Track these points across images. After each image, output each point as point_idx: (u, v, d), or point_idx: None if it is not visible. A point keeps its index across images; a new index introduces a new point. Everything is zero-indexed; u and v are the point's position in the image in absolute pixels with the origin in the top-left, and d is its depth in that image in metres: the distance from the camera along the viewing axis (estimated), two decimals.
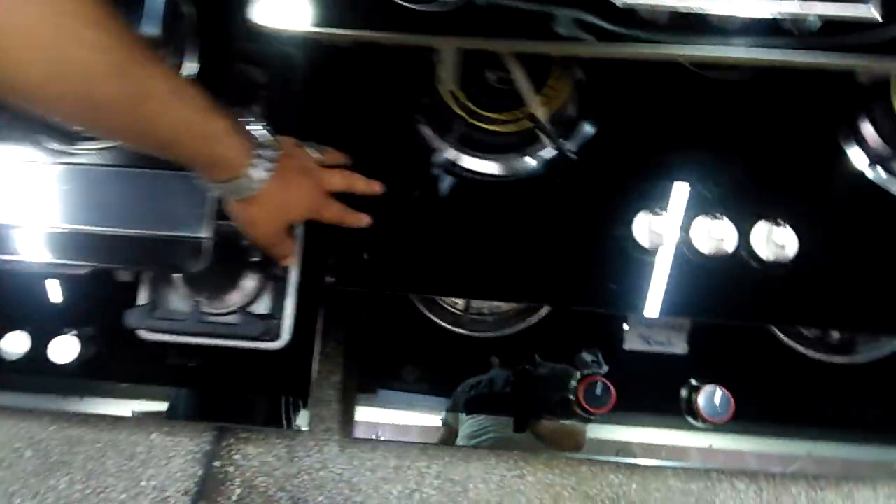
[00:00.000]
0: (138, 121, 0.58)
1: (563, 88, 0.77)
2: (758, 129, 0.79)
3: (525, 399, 0.92)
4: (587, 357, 0.92)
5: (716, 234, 0.75)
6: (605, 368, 0.93)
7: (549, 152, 0.79)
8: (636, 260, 0.77)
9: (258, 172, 0.66)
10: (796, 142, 0.79)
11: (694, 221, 0.76)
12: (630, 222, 0.76)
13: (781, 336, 0.95)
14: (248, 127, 0.67)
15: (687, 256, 0.77)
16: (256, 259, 0.96)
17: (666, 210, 0.76)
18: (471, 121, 0.77)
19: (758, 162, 0.79)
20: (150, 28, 0.75)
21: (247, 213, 0.70)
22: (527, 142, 0.79)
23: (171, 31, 0.79)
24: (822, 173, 0.78)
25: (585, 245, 0.78)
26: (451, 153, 0.79)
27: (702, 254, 0.76)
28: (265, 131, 0.68)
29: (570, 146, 0.77)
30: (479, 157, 0.79)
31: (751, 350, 0.96)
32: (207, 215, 0.80)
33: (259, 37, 0.77)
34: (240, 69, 0.94)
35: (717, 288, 0.77)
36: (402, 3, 0.57)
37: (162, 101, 0.58)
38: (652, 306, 0.77)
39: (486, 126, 0.77)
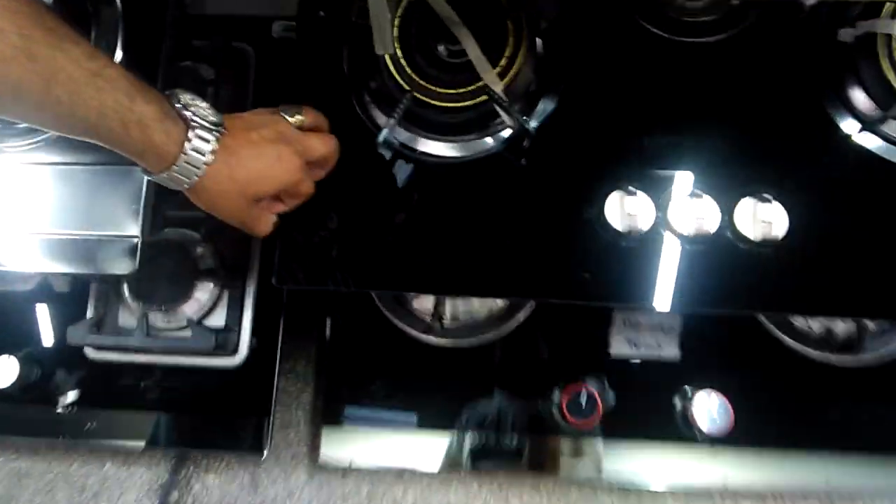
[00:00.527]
0: (52, 104, 0.55)
1: (520, 59, 0.71)
2: (736, 98, 0.73)
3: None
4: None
5: (696, 214, 0.68)
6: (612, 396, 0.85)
7: (508, 130, 0.73)
8: (610, 245, 0.70)
9: (196, 156, 0.61)
10: (778, 110, 0.72)
11: (671, 201, 0.69)
12: (602, 204, 0.70)
13: (782, 336, 0.87)
14: (189, 105, 0.62)
15: (665, 239, 0.70)
16: (210, 267, 0.90)
17: (640, 189, 0.69)
18: (422, 98, 0.71)
19: (738, 134, 0.72)
20: None
21: (203, 197, 0.65)
22: (484, 120, 0.73)
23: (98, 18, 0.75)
24: (809, 143, 0.71)
25: (553, 231, 0.71)
26: (402, 135, 0.73)
27: (681, 235, 0.69)
28: (205, 108, 0.63)
29: (532, 122, 0.70)
30: (433, 139, 0.73)
31: (749, 352, 0.88)
32: (141, 212, 0.74)
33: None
34: (189, 66, 0.90)
35: (700, 273, 0.69)
36: None
37: (76, 83, 0.55)
38: (629, 294, 0.70)
39: (437, 103, 0.71)
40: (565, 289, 0.70)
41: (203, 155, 0.61)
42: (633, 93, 0.73)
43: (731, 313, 0.78)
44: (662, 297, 0.69)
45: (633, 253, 0.70)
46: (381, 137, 0.70)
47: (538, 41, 0.73)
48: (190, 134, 0.60)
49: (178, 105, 0.61)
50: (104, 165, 0.75)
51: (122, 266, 0.73)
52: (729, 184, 0.69)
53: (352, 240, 0.73)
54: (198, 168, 0.61)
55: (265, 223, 0.69)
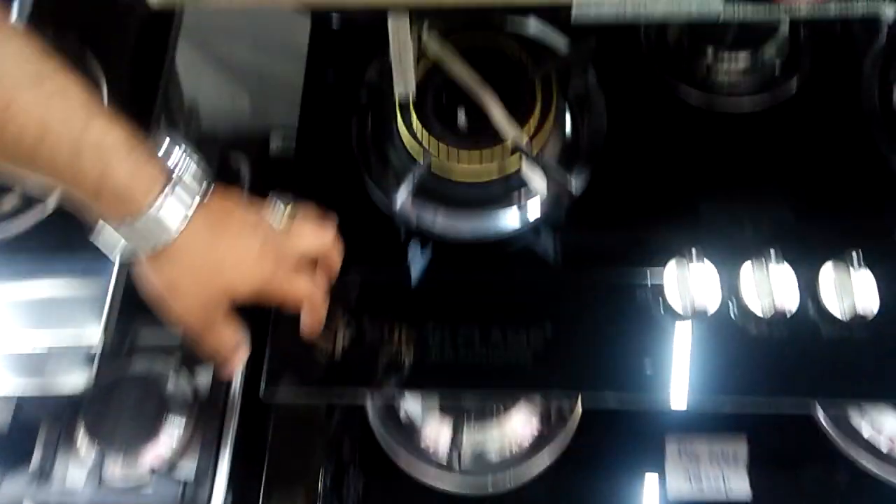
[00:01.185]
0: None
1: (550, 121, 0.63)
2: (793, 160, 0.64)
3: None
4: None
5: (771, 287, 0.57)
6: None
7: (537, 200, 0.63)
8: (667, 329, 0.58)
9: (171, 213, 0.48)
10: (843, 168, 0.64)
11: (741, 270, 0.58)
12: (657, 278, 0.58)
13: (870, 462, 0.72)
14: (173, 153, 0.50)
15: (735, 319, 0.58)
16: (182, 402, 0.76)
17: (701, 258, 0.58)
18: (439, 167, 0.62)
19: (806, 193, 0.63)
20: None
21: (165, 272, 0.50)
22: (509, 191, 0.63)
23: None
24: (884, 198, 0.62)
25: (601, 312, 0.59)
26: (418, 209, 0.63)
27: (755, 314, 0.57)
28: (196, 162, 0.51)
29: (572, 182, 0.60)
30: (452, 214, 0.63)
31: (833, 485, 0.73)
32: (105, 317, 0.62)
33: None
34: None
35: (777, 361, 0.57)
36: None
37: (20, 90, 0.44)
38: (695, 394, 0.56)
39: (457, 166, 0.62)
40: (618, 385, 0.57)
41: (179, 216, 0.48)
42: (677, 157, 0.65)
43: (822, 400, 0.64)
44: (735, 390, 0.57)
45: (702, 338, 0.58)
46: (396, 205, 0.60)
47: (567, 103, 0.66)
48: (168, 188, 0.48)
49: (160, 152, 0.50)
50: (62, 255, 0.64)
51: (74, 381, 0.59)
52: (803, 249, 0.58)
53: (360, 335, 0.60)
54: (168, 230, 0.48)
55: (231, 338, 0.55)
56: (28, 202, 0.68)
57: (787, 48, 0.69)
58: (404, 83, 0.56)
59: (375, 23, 0.55)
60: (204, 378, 0.78)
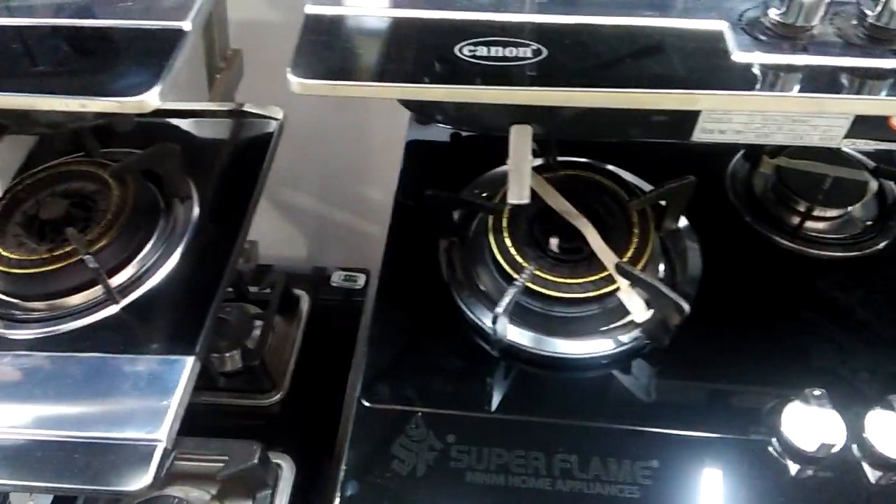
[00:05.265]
0: None
1: (649, 252, 0.62)
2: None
3: None
4: None
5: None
6: None
7: (634, 330, 0.61)
8: (790, 471, 0.53)
9: None
10: None
11: (868, 415, 0.54)
12: (777, 416, 0.55)
13: None
14: None
15: (861, 464, 0.53)
16: None
17: (823, 399, 0.54)
18: (535, 287, 0.60)
19: None
20: None
21: None
22: (607, 316, 0.61)
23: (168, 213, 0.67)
24: None
25: (714, 452, 0.54)
26: (512, 332, 0.60)
27: (888, 459, 0.52)
28: None
29: (685, 305, 0.58)
30: (548, 336, 0.60)
31: None
32: (173, 413, 0.57)
33: None
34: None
35: None
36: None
37: None
38: None
39: (553, 293, 0.60)
40: None
41: None
42: (770, 300, 0.64)
43: None
44: None
45: (821, 483, 0.53)
46: (495, 325, 0.57)
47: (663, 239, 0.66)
48: None
49: None
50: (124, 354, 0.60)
51: (133, 481, 0.53)
52: None
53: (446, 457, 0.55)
54: None
55: None
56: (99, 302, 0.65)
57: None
58: (519, 191, 0.56)
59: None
60: None
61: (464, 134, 0.79)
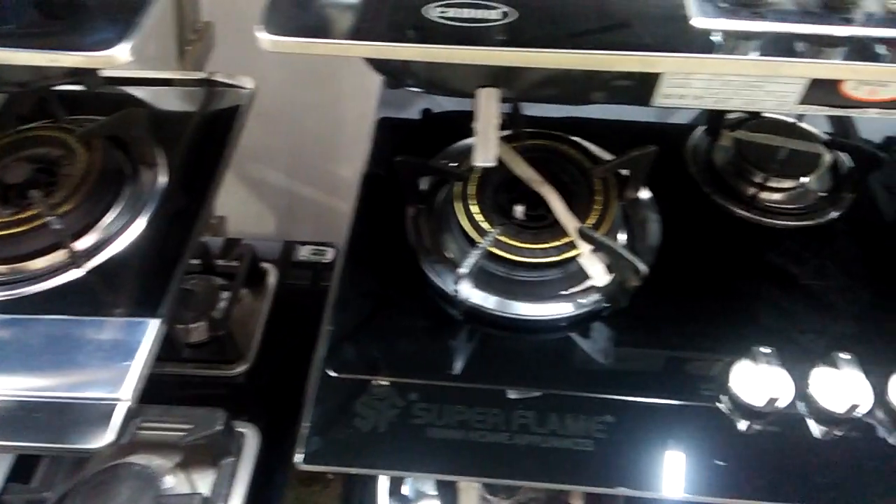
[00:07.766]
0: None
1: (610, 217, 0.63)
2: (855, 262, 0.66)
3: None
4: None
5: (844, 388, 0.55)
6: None
7: (592, 294, 0.62)
8: (738, 427, 0.55)
9: None
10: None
11: (813, 372, 0.56)
12: (725, 374, 0.56)
13: None
14: None
15: (806, 420, 0.56)
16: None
17: (771, 357, 0.57)
18: (498, 252, 0.61)
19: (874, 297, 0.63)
20: None
21: None
22: (569, 280, 0.63)
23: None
24: None
25: (665, 408, 0.56)
26: (476, 295, 0.61)
27: (830, 413, 0.55)
28: None
29: (642, 266, 0.60)
30: (510, 299, 0.62)
31: None
32: (138, 374, 0.57)
33: None
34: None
35: (847, 467, 0.54)
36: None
37: None
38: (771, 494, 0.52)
39: (516, 258, 0.61)
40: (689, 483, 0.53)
41: None
42: (726, 267, 0.66)
43: None
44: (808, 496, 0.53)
45: (768, 437, 0.55)
46: (457, 287, 0.58)
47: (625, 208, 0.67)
48: None
49: None
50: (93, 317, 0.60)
51: (95, 438, 0.53)
52: (871, 350, 0.57)
53: (409, 413, 0.56)
54: None
55: None
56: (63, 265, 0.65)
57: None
58: (485, 154, 0.57)
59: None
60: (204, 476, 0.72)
61: (434, 111, 0.80)
